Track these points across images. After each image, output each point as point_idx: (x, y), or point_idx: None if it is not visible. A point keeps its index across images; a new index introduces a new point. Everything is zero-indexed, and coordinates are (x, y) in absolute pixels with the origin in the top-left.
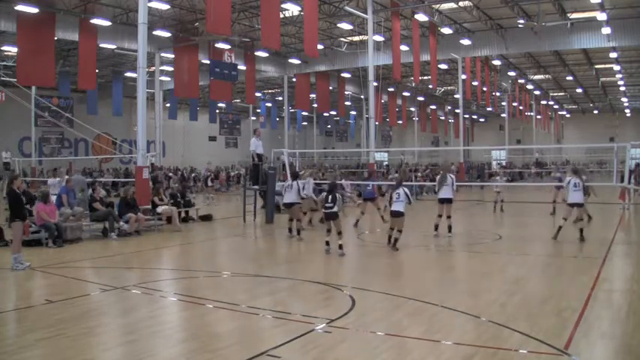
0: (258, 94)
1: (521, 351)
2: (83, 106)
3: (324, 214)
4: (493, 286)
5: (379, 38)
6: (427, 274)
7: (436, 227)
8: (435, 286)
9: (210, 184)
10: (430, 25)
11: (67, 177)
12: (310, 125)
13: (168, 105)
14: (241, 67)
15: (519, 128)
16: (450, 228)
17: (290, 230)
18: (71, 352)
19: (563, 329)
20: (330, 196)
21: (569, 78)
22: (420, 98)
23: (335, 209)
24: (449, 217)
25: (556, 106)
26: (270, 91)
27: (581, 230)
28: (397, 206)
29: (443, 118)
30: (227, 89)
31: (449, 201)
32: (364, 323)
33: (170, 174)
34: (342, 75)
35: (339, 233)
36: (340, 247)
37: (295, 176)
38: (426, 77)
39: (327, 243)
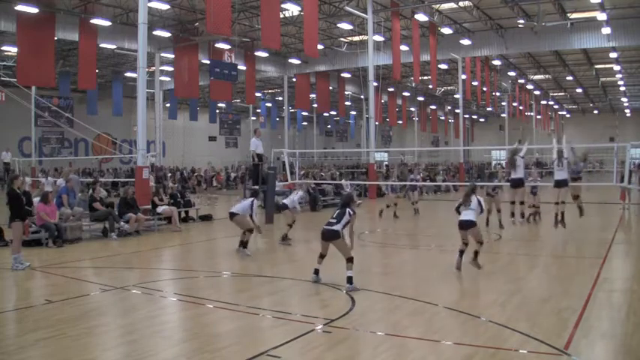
0: (258, 94)
1: (521, 351)
2: (83, 106)
3: (322, 232)
4: (493, 286)
5: (379, 38)
6: (427, 274)
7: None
8: (435, 286)
9: (214, 183)
10: (430, 25)
11: (44, 179)
12: (310, 125)
13: (168, 105)
14: (241, 67)
15: (519, 128)
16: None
17: (245, 245)
18: (71, 352)
19: (563, 329)
20: (337, 211)
21: (569, 78)
22: (420, 98)
23: (337, 228)
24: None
25: (556, 106)
26: (270, 91)
27: (580, 208)
28: (468, 215)
29: (443, 118)
30: (227, 89)
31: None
32: (364, 323)
33: (169, 174)
34: (342, 75)
35: (349, 260)
36: (349, 279)
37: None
38: (426, 77)
39: (317, 271)
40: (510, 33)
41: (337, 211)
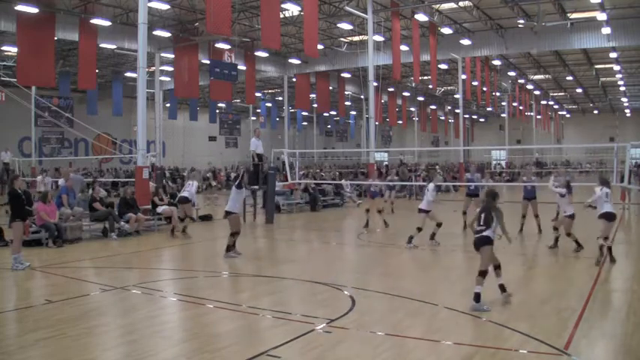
0: (258, 94)
1: (521, 351)
2: (83, 106)
3: (473, 242)
4: (493, 286)
5: (379, 38)
6: (427, 274)
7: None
8: (435, 286)
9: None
10: (430, 25)
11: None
12: (310, 125)
13: (168, 105)
14: (241, 67)
15: (519, 128)
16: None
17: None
18: (71, 352)
19: (563, 329)
20: (482, 215)
21: (569, 78)
22: (420, 98)
23: (487, 233)
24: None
25: (556, 106)
26: (270, 91)
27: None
28: (607, 207)
29: (443, 118)
30: (227, 89)
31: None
32: (364, 323)
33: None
34: (342, 75)
35: (480, 274)
36: (476, 296)
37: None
38: (426, 77)
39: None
40: (510, 33)
41: (482, 215)
